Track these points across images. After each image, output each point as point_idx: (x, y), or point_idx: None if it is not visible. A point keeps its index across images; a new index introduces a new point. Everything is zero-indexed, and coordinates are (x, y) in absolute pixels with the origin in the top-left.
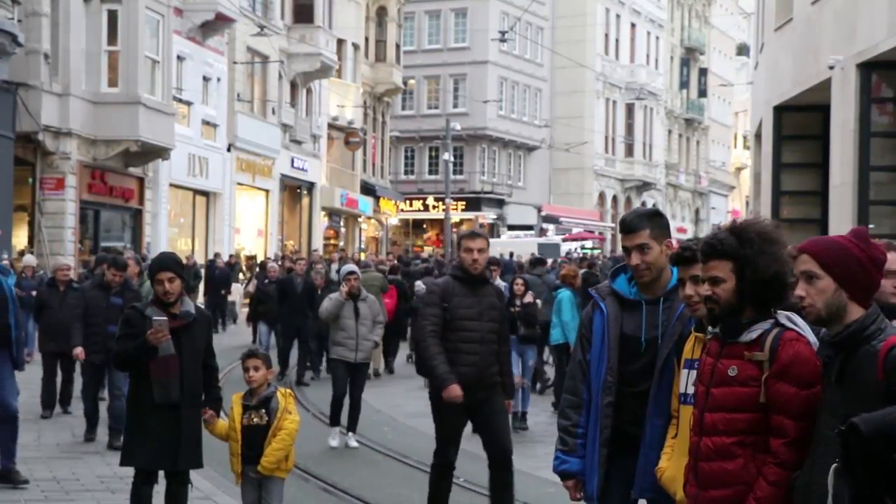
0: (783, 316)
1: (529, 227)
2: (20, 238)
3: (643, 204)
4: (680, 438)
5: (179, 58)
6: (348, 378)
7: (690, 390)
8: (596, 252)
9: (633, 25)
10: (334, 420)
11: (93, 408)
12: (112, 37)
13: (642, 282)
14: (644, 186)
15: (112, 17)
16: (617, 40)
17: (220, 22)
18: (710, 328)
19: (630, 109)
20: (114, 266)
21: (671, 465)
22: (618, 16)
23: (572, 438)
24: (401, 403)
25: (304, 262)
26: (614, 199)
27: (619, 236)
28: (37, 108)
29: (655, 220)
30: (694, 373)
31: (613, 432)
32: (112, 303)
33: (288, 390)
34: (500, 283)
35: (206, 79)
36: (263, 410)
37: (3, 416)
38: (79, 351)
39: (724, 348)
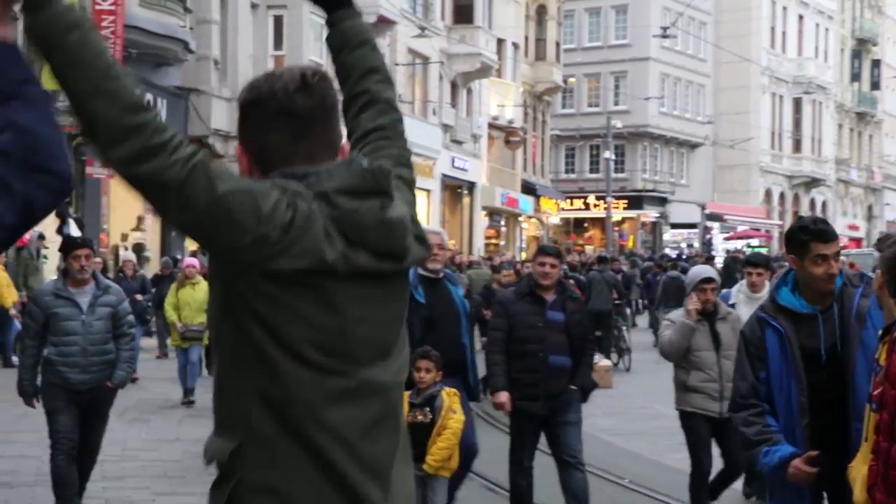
0: None
1: (693, 226)
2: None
3: (812, 201)
4: (866, 442)
5: None
6: (712, 442)
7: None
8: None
9: (800, 17)
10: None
11: None
12: (278, 42)
13: (828, 290)
14: (812, 183)
15: (278, 22)
16: (784, 33)
17: (381, 24)
18: None
19: (798, 104)
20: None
21: (855, 466)
22: (784, 8)
23: (770, 435)
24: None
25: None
26: (781, 196)
27: (781, 233)
28: (207, 113)
29: None
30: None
31: (814, 448)
32: (551, 319)
33: (453, 389)
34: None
35: None
36: (428, 409)
37: (464, 457)
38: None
39: None
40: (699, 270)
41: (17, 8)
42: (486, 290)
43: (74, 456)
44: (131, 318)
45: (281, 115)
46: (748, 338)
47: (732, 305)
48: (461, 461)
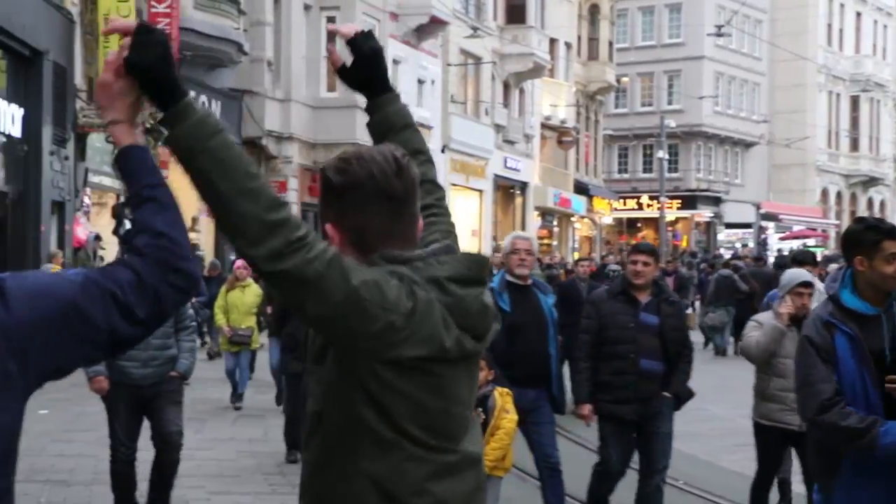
0: None
1: (748, 226)
2: None
3: (870, 200)
4: None
5: (395, 61)
6: (784, 456)
7: None
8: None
9: (858, 14)
10: None
11: None
12: (330, 43)
13: (893, 289)
14: (871, 182)
15: (331, 23)
16: (841, 30)
17: (434, 25)
18: None
19: (855, 102)
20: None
21: None
22: (842, 5)
23: (875, 418)
24: None
25: (589, 265)
26: (838, 195)
27: (838, 233)
28: (260, 114)
29: None
30: None
31: None
32: (644, 321)
33: (505, 389)
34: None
35: (420, 81)
36: (480, 409)
37: (548, 470)
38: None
39: None
40: (797, 273)
41: (148, 117)
42: (560, 287)
43: (133, 462)
44: (191, 311)
45: (381, 197)
46: (818, 343)
47: None
48: (548, 473)
